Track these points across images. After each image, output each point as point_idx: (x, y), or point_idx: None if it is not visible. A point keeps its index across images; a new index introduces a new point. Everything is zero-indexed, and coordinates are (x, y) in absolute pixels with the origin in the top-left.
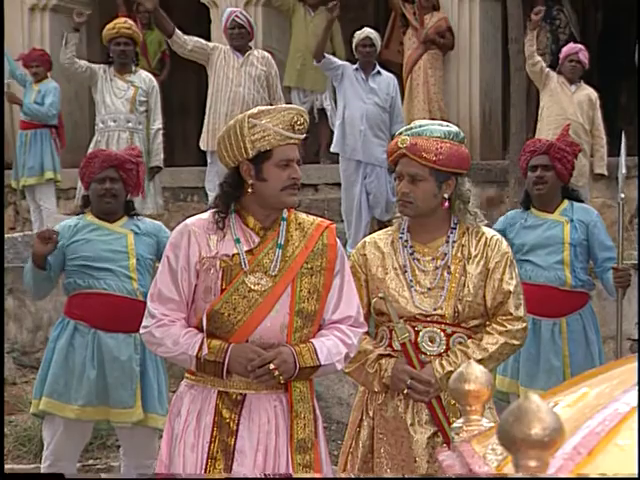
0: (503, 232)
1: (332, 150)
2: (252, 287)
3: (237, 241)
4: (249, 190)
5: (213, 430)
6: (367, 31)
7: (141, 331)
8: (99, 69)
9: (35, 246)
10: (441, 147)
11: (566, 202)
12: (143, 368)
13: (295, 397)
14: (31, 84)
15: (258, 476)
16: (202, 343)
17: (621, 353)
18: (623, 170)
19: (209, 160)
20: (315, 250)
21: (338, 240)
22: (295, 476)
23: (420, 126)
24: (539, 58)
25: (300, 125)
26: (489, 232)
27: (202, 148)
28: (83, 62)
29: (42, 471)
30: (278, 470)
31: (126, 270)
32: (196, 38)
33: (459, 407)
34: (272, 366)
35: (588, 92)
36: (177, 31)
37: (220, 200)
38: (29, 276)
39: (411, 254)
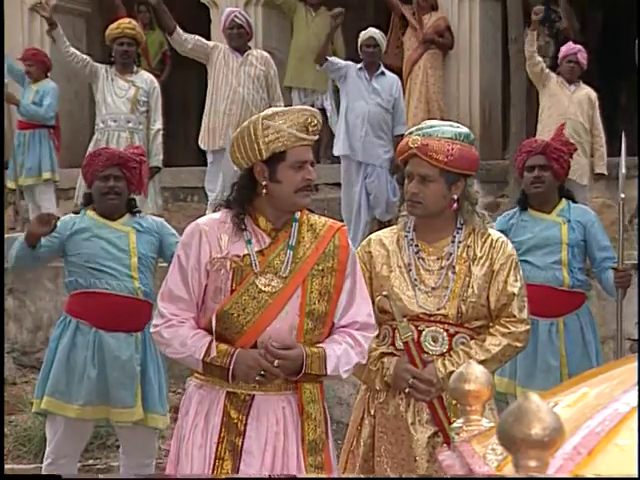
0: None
1: (335, 154)
2: (262, 288)
3: (248, 242)
4: (263, 192)
5: (221, 430)
6: (371, 31)
7: (151, 330)
8: (101, 68)
9: (32, 225)
10: (452, 148)
11: (564, 202)
12: (144, 368)
13: (305, 398)
14: (29, 84)
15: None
16: (209, 346)
17: (621, 353)
18: (623, 170)
19: (209, 160)
20: (326, 252)
21: (350, 242)
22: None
23: (431, 127)
24: (539, 58)
25: (314, 126)
26: (495, 234)
27: (201, 147)
28: (84, 56)
29: (43, 468)
30: (287, 471)
31: (127, 269)
32: (197, 37)
33: (459, 407)
34: (276, 362)
35: (587, 91)
36: (178, 29)
37: (234, 202)
38: (16, 249)
39: (416, 253)
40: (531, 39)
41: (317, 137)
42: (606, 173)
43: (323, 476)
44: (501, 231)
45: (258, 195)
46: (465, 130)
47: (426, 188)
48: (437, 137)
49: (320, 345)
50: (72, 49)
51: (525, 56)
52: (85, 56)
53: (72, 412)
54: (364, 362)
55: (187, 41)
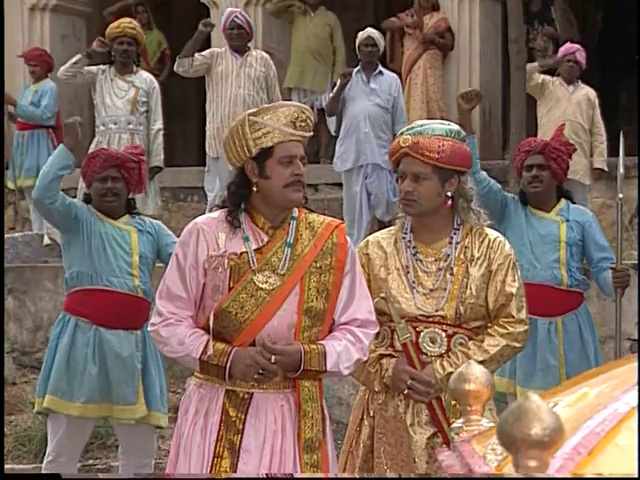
0: (505, 200)
1: (336, 170)
2: (260, 286)
3: (246, 239)
4: (254, 189)
5: (220, 429)
6: (369, 31)
7: (149, 329)
8: (97, 70)
9: (66, 137)
10: (443, 145)
11: (563, 202)
12: (145, 365)
13: (303, 397)
14: (30, 84)
15: (264, 475)
16: (207, 345)
17: (620, 353)
18: (621, 170)
19: (209, 164)
20: (324, 249)
21: (349, 239)
22: (301, 476)
23: (421, 125)
24: (539, 77)
25: (302, 122)
26: (492, 234)
27: (210, 155)
28: (83, 71)
29: (43, 466)
30: (284, 470)
31: (129, 267)
32: (196, 58)
33: (459, 407)
34: (274, 359)
35: (586, 91)
36: (196, 56)
37: (229, 201)
38: (55, 162)
39: (414, 255)
40: (542, 65)
41: (308, 133)
42: (606, 169)
43: (322, 475)
44: (506, 198)
45: (252, 193)
46: (455, 127)
47: (420, 186)
48: (428, 135)
49: (320, 342)
50: (73, 77)
51: (525, 55)
52: (84, 70)
53: (74, 410)
54: (365, 359)
55: (191, 67)
